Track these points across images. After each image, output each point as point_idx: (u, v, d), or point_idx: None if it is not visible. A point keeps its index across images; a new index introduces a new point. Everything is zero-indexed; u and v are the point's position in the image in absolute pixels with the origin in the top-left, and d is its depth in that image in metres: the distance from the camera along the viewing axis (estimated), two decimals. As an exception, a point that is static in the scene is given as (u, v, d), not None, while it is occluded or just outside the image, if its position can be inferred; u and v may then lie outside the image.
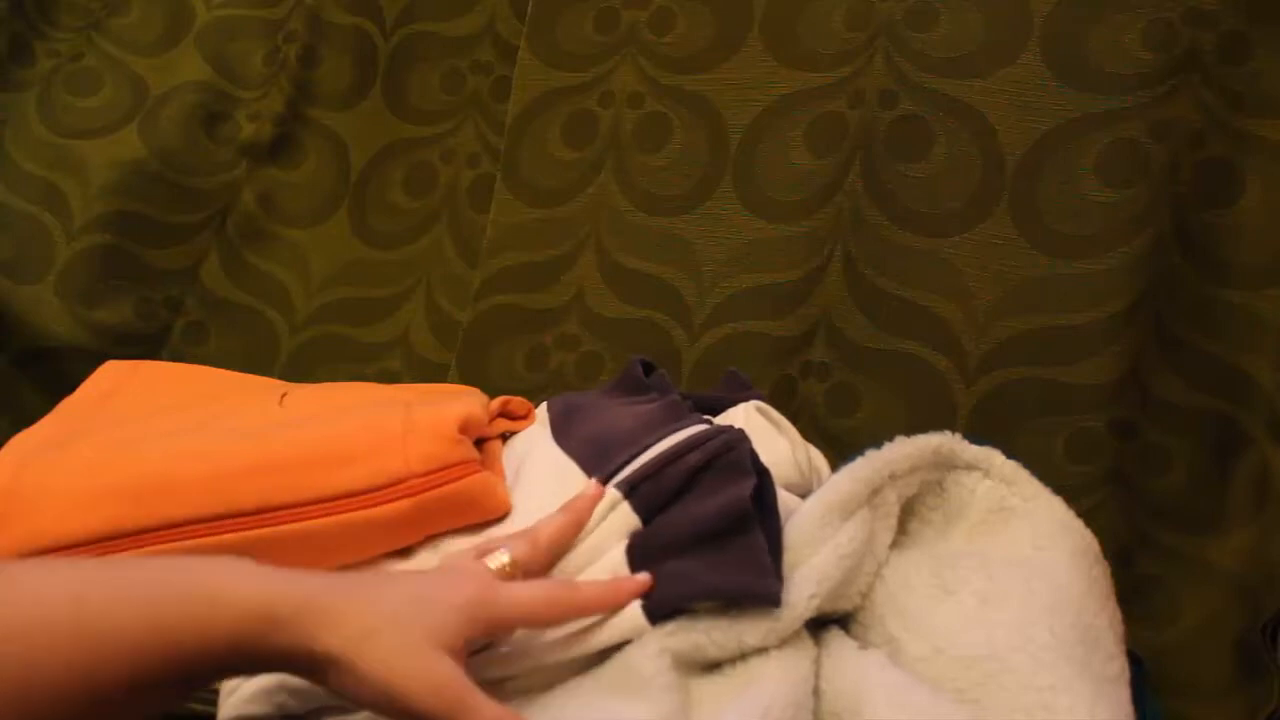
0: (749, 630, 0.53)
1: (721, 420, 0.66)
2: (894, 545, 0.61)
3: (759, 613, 0.53)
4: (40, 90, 1.01)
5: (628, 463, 0.60)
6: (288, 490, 0.62)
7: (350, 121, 1.03)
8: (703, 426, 0.61)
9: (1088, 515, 0.62)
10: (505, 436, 0.73)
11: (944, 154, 0.81)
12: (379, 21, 1.03)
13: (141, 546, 0.61)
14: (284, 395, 0.75)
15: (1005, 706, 0.51)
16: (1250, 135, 0.76)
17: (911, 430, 0.63)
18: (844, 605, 0.58)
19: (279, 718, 0.55)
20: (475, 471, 0.64)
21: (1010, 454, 0.64)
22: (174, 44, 1.02)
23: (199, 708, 0.57)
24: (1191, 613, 0.76)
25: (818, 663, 0.55)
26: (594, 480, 0.60)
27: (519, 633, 0.54)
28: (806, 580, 0.54)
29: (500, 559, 0.53)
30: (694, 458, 0.58)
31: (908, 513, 0.63)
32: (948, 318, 0.81)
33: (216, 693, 0.57)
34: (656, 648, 0.52)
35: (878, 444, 0.61)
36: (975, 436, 0.65)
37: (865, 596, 0.59)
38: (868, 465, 0.59)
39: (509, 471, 0.68)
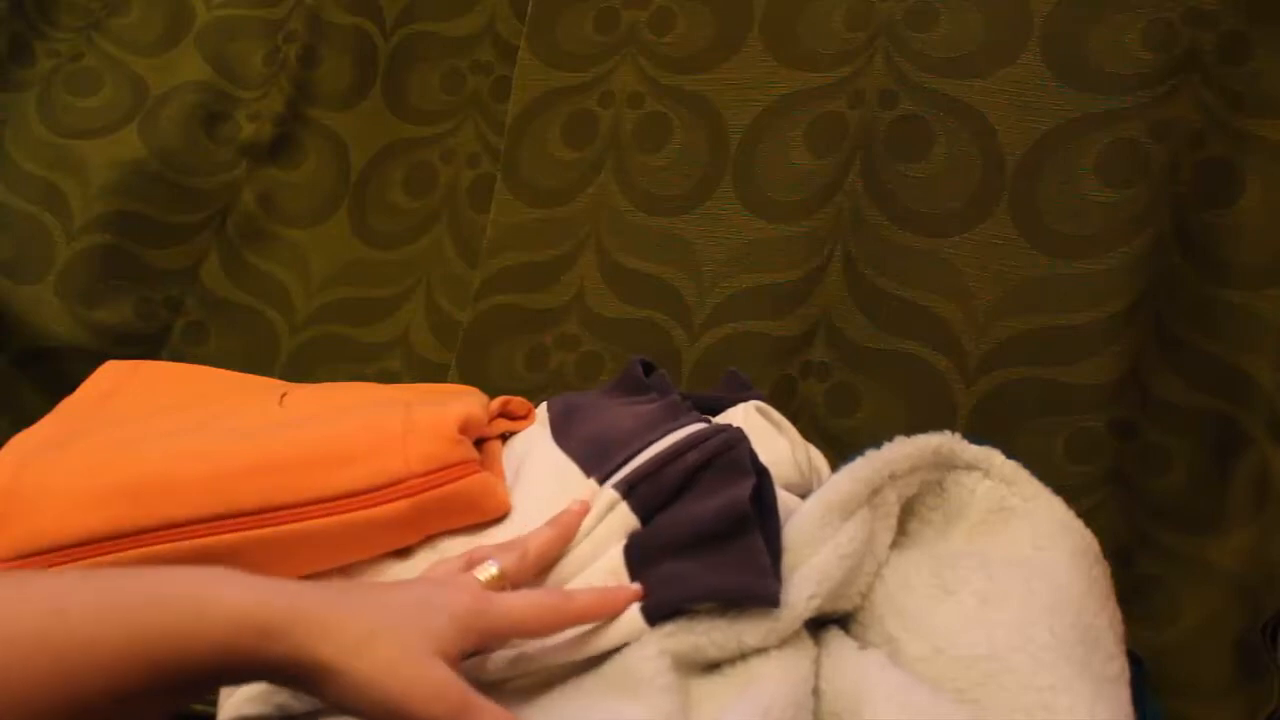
0: (749, 631, 0.53)
1: (721, 420, 0.66)
2: (894, 545, 0.61)
3: (758, 613, 0.53)
4: (40, 90, 1.01)
5: (626, 462, 0.60)
6: (288, 490, 0.62)
7: (350, 121, 1.03)
8: (701, 425, 0.61)
9: (1088, 515, 0.62)
10: (505, 437, 0.73)
11: (944, 154, 0.81)
12: (379, 21, 1.03)
13: (141, 546, 0.61)
14: (284, 395, 0.75)
15: (1005, 706, 0.51)
16: (1250, 135, 0.76)
17: (911, 430, 0.63)
18: (844, 605, 0.58)
19: (280, 718, 0.55)
20: (475, 472, 0.64)
21: (1010, 454, 0.64)
22: (174, 44, 1.02)
23: (199, 708, 0.57)
24: (1191, 613, 0.76)
25: (817, 663, 0.55)
26: (586, 487, 0.60)
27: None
28: (806, 580, 0.54)
29: (489, 570, 0.53)
30: (692, 457, 0.58)
31: (908, 513, 0.63)
32: (948, 318, 0.81)
33: (217, 692, 0.57)
34: (656, 649, 0.52)
35: (878, 444, 0.61)
36: (975, 436, 0.65)
37: (865, 596, 0.58)
38: (868, 465, 0.59)
39: (509, 471, 0.68)
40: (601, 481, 0.60)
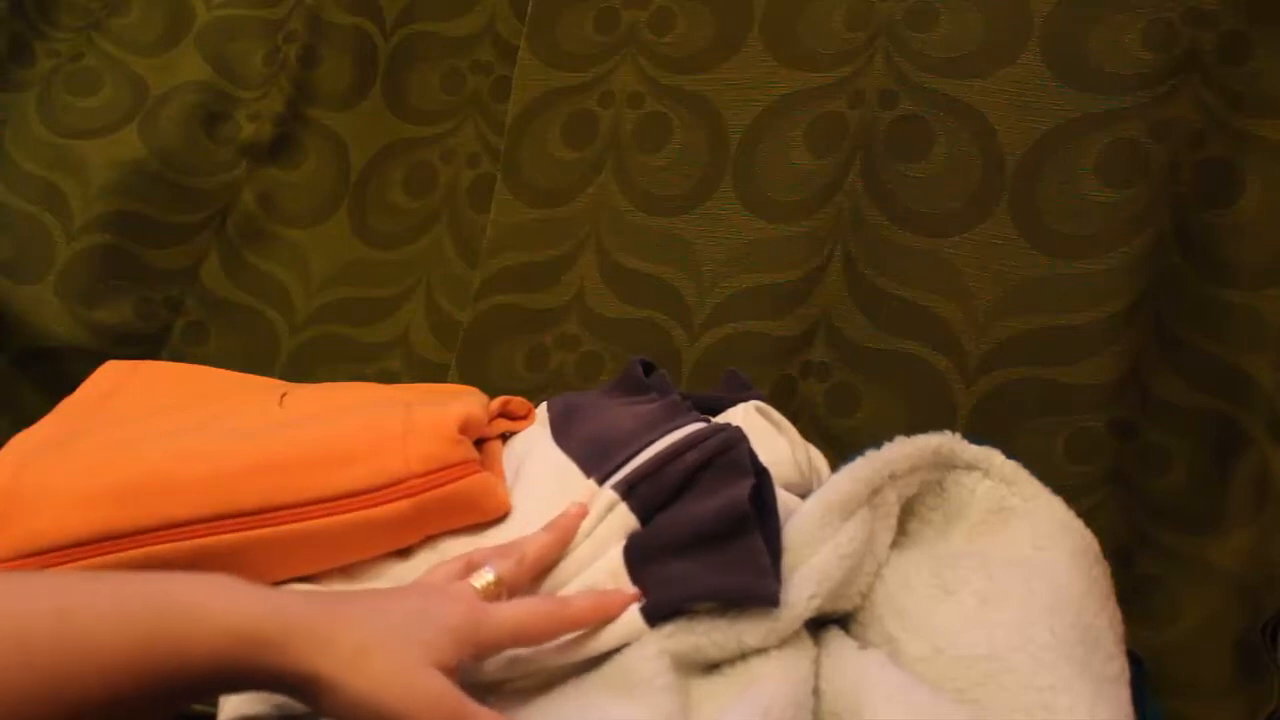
0: (748, 631, 0.53)
1: (721, 420, 0.66)
2: (894, 545, 0.61)
3: (758, 613, 0.53)
4: (40, 90, 1.01)
5: (625, 462, 0.60)
6: (288, 490, 0.62)
7: (350, 121, 1.03)
8: (701, 425, 0.61)
9: (1088, 515, 0.62)
10: (505, 437, 0.73)
11: (944, 154, 0.81)
12: (379, 21, 1.03)
13: (141, 547, 0.61)
14: (284, 395, 0.75)
15: (1005, 706, 0.51)
16: (1250, 135, 0.76)
17: (911, 430, 0.63)
18: (844, 605, 0.58)
19: (279, 718, 0.54)
20: (475, 472, 0.64)
21: (1010, 454, 0.64)
22: (174, 44, 1.02)
23: (199, 708, 0.57)
24: (1191, 613, 0.76)
25: (817, 663, 0.55)
26: (586, 488, 0.60)
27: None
28: (806, 580, 0.54)
29: (485, 577, 0.53)
30: (692, 457, 0.58)
31: (908, 513, 0.63)
32: (948, 318, 0.81)
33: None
34: (655, 649, 0.52)
35: (878, 444, 0.61)
36: (975, 436, 0.65)
37: (865, 596, 0.58)
38: (868, 465, 0.59)
39: (509, 471, 0.68)
40: (601, 482, 0.60)
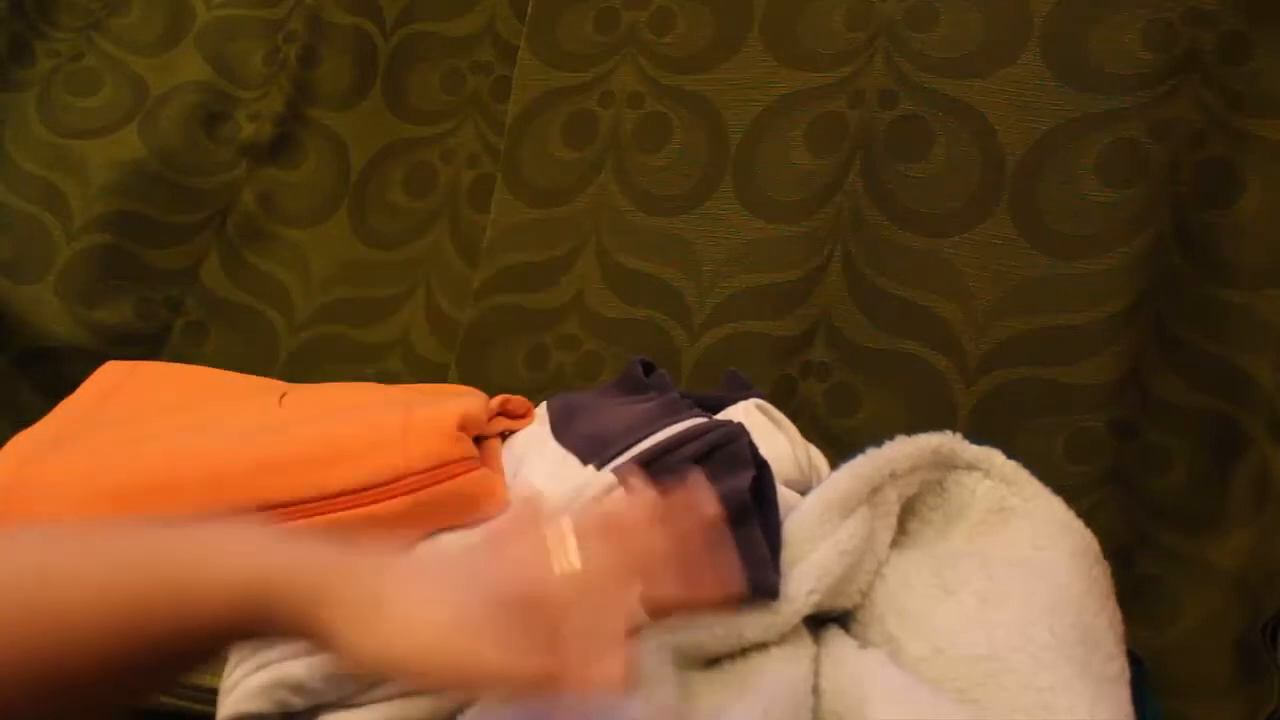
0: (748, 625, 0.53)
1: (722, 417, 0.66)
2: (894, 545, 0.61)
3: (759, 607, 0.53)
4: (40, 90, 1.01)
5: (625, 450, 0.60)
6: (288, 489, 0.62)
7: (350, 121, 1.03)
8: (702, 420, 0.61)
9: (1088, 515, 0.62)
10: (504, 435, 0.73)
11: (944, 154, 0.81)
12: (379, 21, 1.03)
13: (141, 546, 0.61)
14: (284, 395, 0.75)
15: (1005, 706, 0.51)
16: (1250, 135, 0.76)
17: (911, 430, 0.63)
18: (844, 603, 0.58)
19: (279, 715, 0.54)
20: (475, 469, 0.64)
21: (1010, 454, 0.64)
22: (174, 44, 1.02)
23: (199, 708, 0.57)
24: (1191, 613, 0.76)
25: (817, 661, 0.55)
26: (584, 474, 0.59)
27: None
28: (806, 576, 0.54)
29: (570, 557, 0.44)
30: (692, 448, 0.58)
31: (908, 512, 0.63)
32: (948, 318, 0.81)
33: (215, 692, 0.57)
34: (655, 643, 0.52)
35: (878, 444, 0.61)
36: (975, 436, 0.65)
37: (865, 595, 0.58)
38: (868, 463, 0.59)
39: (508, 469, 0.68)
40: (600, 467, 0.60)
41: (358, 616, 0.42)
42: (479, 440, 0.69)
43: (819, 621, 0.57)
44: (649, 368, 0.74)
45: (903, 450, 0.61)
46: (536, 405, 0.75)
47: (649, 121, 0.91)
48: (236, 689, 0.56)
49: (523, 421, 0.73)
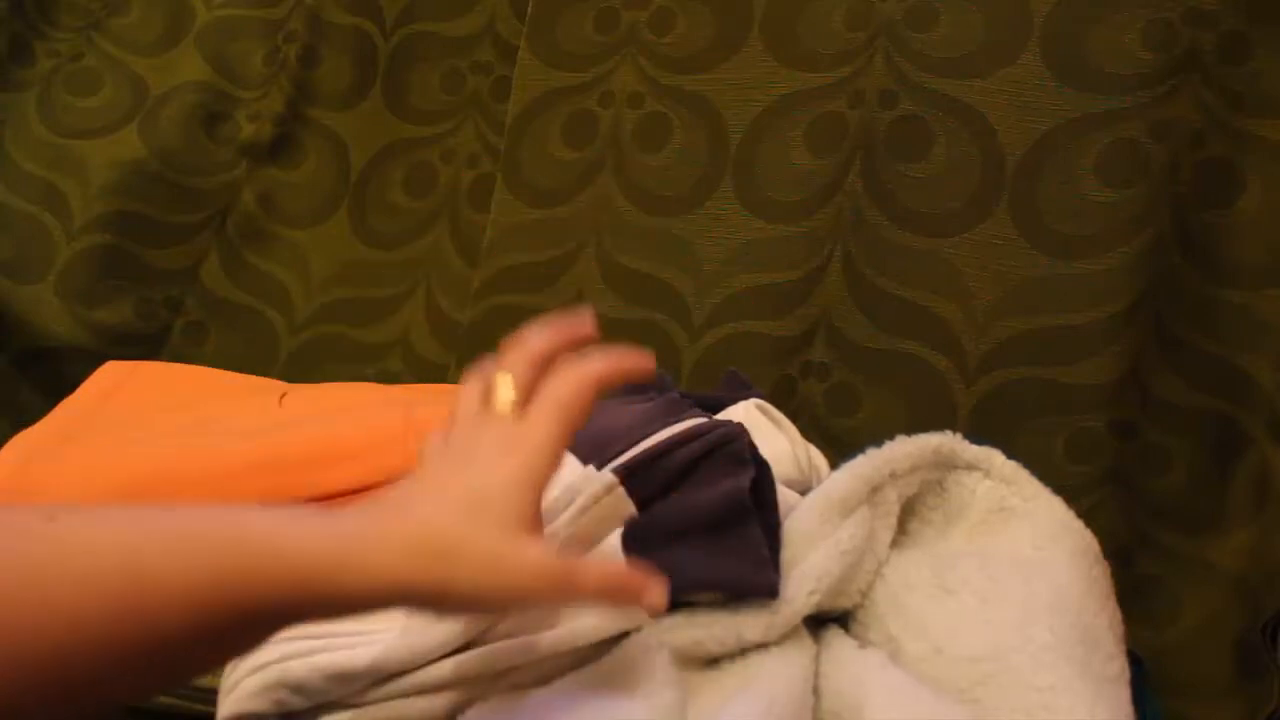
0: (748, 625, 0.52)
1: (722, 417, 0.66)
2: (894, 545, 0.61)
3: (758, 607, 0.53)
4: (40, 90, 1.01)
5: (624, 450, 0.60)
6: (288, 489, 0.62)
7: (350, 121, 1.03)
8: (702, 419, 0.61)
9: (1088, 515, 0.62)
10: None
11: (944, 154, 0.81)
12: (379, 21, 1.03)
13: (141, 546, 0.60)
14: (284, 395, 0.75)
15: (1005, 706, 0.51)
16: (1250, 135, 0.76)
17: (911, 430, 0.63)
18: (844, 603, 0.58)
19: (278, 715, 0.54)
20: (475, 470, 0.64)
21: (1010, 454, 0.64)
22: (174, 44, 1.03)
23: (199, 708, 0.57)
24: (1191, 613, 0.76)
25: (817, 661, 0.54)
26: (582, 473, 0.60)
27: (514, 624, 0.53)
28: (806, 576, 0.54)
29: (506, 397, 0.49)
30: (693, 447, 0.57)
31: (908, 512, 0.63)
32: (948, 318, 0.81)
33: (215, 692, 0.57)
34: (655, 642, 0.52)
35: (878, 444, 0.61)
36: (975, 436, 0.65)
37: (865, 595, 0.58)
38: (868, 463, 0.59)
39: (509, 470, 0.68)
40: (599, 467, 0.60)
41: (434, 564, 0.42)
42: (479, 440, 0.69)
43: (819, 621, 0.57)
44: (649, 368, 0.73)
45: (903, 450, 0.61)
46: (536, 405, 0.75)
47: (649, 121, 0.91)
48: (236, 689, 0.56)
49: (523, 421, 0.73)
